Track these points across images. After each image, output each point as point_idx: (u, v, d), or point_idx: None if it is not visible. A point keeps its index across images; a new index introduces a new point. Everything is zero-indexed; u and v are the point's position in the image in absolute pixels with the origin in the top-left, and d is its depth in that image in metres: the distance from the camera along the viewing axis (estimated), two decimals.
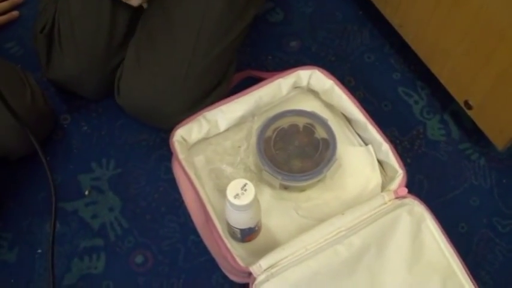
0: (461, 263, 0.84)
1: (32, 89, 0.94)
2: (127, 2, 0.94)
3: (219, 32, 0.95)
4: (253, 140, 0.92)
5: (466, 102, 0.96)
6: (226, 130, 0.97)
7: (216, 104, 0.96)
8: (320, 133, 0.92)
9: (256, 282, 0.80)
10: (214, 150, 0.96)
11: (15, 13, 1.15)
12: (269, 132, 0.92)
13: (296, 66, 0.99)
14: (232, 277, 0.88)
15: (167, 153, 0.98)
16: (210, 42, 0.94)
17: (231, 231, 0.86)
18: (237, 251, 0.84)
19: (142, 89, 0.93)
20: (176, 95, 0.93)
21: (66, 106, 1.04)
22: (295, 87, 1.00)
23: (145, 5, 0.97)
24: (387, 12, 1.06)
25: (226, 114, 0.95)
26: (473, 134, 1.02)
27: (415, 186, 0.96)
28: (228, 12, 0.95)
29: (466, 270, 0.84)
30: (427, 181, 0.98)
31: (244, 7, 0.98)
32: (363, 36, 1.13)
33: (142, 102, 0.94)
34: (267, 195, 0.92)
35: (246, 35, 1.02)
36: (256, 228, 0.86)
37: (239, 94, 0.97)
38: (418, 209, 0.87)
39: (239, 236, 0.85)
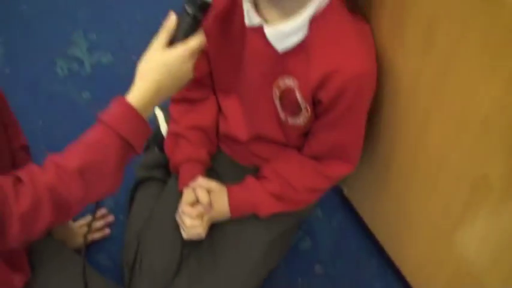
0: None
1: None
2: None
3: (252, 280, 1.22)
4: None
5: None
6: None
7: None
8: None
9: None
10: None
11: (107, 231, 1.42)
12: None
13: None
14: None
15: None
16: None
17: None
18: None
19: None
20: None
21: None
22: None
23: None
24: (390, 250, 1.39)
25: None
26: None
27: None
28: (262, 264, 1.22)
29: None
30: None
31: (276, 259, 1.28)
32: (371, 265, 1.46)
33: None
34: None
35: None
36: None
37: None
38: None
39: None
